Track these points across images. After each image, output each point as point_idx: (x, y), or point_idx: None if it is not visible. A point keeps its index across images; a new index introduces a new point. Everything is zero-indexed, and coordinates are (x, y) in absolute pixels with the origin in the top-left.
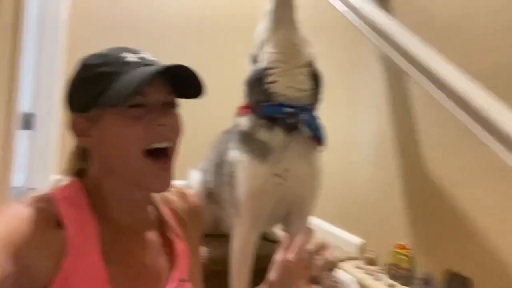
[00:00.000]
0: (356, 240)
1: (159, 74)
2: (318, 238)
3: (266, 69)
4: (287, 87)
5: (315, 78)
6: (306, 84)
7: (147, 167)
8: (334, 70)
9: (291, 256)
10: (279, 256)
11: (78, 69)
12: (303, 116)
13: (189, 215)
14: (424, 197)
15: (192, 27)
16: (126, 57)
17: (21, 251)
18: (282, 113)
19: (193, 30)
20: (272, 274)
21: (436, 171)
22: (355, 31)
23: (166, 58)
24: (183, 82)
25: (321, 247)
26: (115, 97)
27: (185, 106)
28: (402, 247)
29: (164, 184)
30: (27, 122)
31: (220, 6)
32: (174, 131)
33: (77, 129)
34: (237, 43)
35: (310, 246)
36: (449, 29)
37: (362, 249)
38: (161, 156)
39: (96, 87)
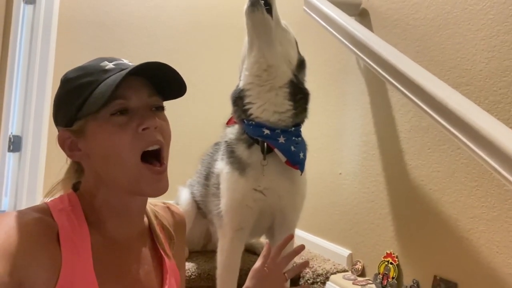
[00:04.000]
0: (344, 251)
1: (131, 74)
2: (304, 250)
3: (243, 90)
4: (263, 110)
5: (297, 97)
6: (283, 106)
7: (143, 172)
8: (318, 82)
9: (269, 261)
10: (257, 264)
11: (60, 84)
12: (280, 140)
13: (175, 228)
14: (409, 205)
15: (184, 35)
16: (104, 65)
17: (19, 262)
18: (258, 135)
19: (184, 38)
20: (248, 282)
21: (420, 178)
22: (338, 44)
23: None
24: (165, 82)
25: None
26: (92, 105)
27: (175, 122)
28: (389, 255)
29: (161, 187)
30: (15, 144)
31: (214, 13)
32: (161, 132)
33: (65, 144)
34: (228, 56)
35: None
36: (425, 40)
37: (351, 260)
38: (154, 159)
39: (77, 99)
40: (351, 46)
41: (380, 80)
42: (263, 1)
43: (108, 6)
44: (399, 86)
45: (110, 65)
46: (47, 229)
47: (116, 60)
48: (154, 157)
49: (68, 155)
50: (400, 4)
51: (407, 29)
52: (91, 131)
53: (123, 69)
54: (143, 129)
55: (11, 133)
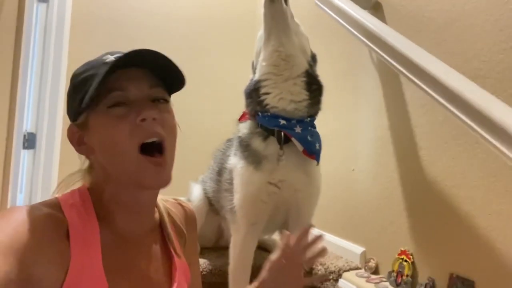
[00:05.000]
0: (357, 249)
1: (127, 67)
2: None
3: (259, 81)
4: (280, 99)
5: (313, 88)
6: (300, 95)
7: (142, 164)
8: (331, 77)
9: (287, 252)
10: (274, 255)
11: (70, 80)
12: (296, 130)
13: (186, 223)
14: (425, 201)
15: (196, 32)
16: (105, 59)
17: (27, 259)
18: (275, 125)
19: (197, 35)
20: (264, 273)
21: (435, 174)
22: (351, 38)
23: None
24: (166, 73)
25: (317, 240)
26: (87, 98)
27: (186, 119)
28: (404, 253)
29: (162, 179)
30: (30, 141)
31: (225, 10)
32: (161, 124)
33: (73, 138)
34: (240, 52)
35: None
36: (441, 32)
37: (364, 258)
38: (155, 151)
39: (79, 93)
40: (364, 39)
41: (394, 73)
42: None
43: (120, 3)
44: (414, 79)
45: (111, 58)
46: (56, 224)
47: (119, 53)
48: (156, 150)
49: (76, 150)
50: None
51: (422, 21)
52: (92, 124)
53: (123, 57)
54: (141, 120)
55: (26, 130)
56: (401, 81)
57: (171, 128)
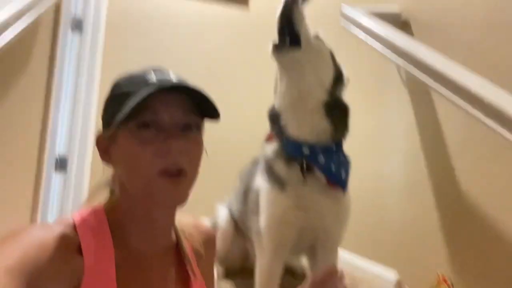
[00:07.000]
0: (390, 275)
1: (157, 93)
2: (347, 272)
3: (278, 111)
4: (300, 130)
5: (335, 114)
6: (321, 125)
7: (159, 184)
8: (360, 98)
9: None
10: None
11: (111, 87)
12: (320, 159)
13: (204, 245)
14: (463, 224)
15: (222, 50)
16: (148, 77)
17: (39, 278)
18: (298, 154)
19: (223, 53)
20: None
21: (473, 194)
22: (377, 57)
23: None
24: (203, 100)
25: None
26: (118, 116)
27: (215, 138)
28: (442, 279)
29: (177, 197)
30: (61, 164)
31: (252, 28)
32: (186, 155)
33: (100, 145)
34: (266, 70)
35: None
36: (474, 45)
37: (398, 285)
38: (174, 174)
39: (114, 106)
40: (394, 56)
41: (424, 90)
42: (288, 37)
43: (151, 33)
44: (448, 94)
45: (153, 78)
46: (67, 244)
47: (162, 72)
48: (176, 174)
49: (101, 156)
50: (443, 12)
51: (453, 35)
52: (120, 139)
53: (164, 83)
54: (168, 150)
55: (58, 153)
56: (433, 98)
57: (196, 160)
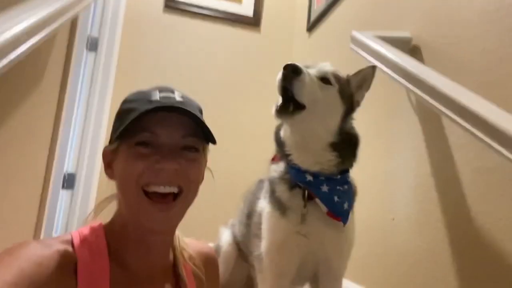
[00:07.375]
0: None
1: (157, 112)
2: None
3: (283, 139)
4: (303, 161)
5: (344, 148)
6: (326, 157)
7: (144, 206)
8: (368, 122)
9: None
10: None
11: (121, 103)
12: (323, 189)
13: (205, 267)
14: (476, 256)
15: (227, 75)
16: (152, 95)
17: None
18: (301, 181)
19: (227, 78)
20: None
21: (486, 226)
22: (387, 82)
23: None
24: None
25: None
26: (118, 131)
27: (218, 160)
28: None
29: (159, 225)
30: (69, 181)
31: (257, 54)
32: (180, 176)
33: (105, 159)
34: (269, 95)
35: None
36: (486, 73)
37: None
38: (162, 199)
39: (118, 121)
40: (404, 82)
41: (435, 117)
42: (291, 102)
43: (164, 53)
44: (460, 121)
45: (156, 97)
46: (63, 261)
47: (168, 92)
48: (165, 198)
49: (105, 170)
50: (454, 38)
51: (463, 63)
52: (120, 154)
53: (163, 104)
54: (160, 168)
55: (66, 170)
56: (444, 125)
57: (193, 181)
